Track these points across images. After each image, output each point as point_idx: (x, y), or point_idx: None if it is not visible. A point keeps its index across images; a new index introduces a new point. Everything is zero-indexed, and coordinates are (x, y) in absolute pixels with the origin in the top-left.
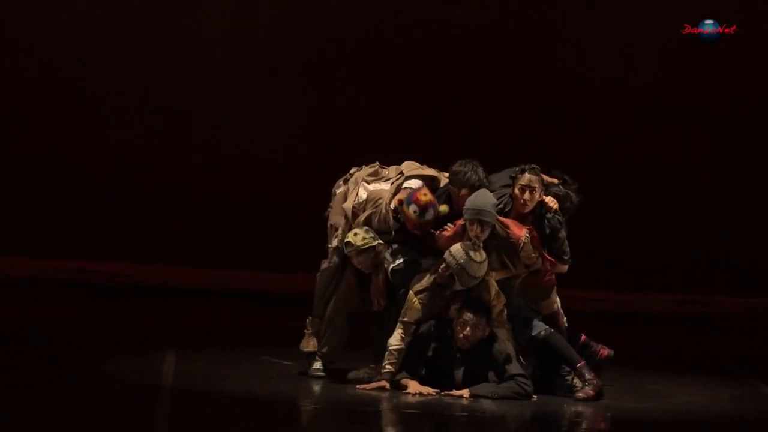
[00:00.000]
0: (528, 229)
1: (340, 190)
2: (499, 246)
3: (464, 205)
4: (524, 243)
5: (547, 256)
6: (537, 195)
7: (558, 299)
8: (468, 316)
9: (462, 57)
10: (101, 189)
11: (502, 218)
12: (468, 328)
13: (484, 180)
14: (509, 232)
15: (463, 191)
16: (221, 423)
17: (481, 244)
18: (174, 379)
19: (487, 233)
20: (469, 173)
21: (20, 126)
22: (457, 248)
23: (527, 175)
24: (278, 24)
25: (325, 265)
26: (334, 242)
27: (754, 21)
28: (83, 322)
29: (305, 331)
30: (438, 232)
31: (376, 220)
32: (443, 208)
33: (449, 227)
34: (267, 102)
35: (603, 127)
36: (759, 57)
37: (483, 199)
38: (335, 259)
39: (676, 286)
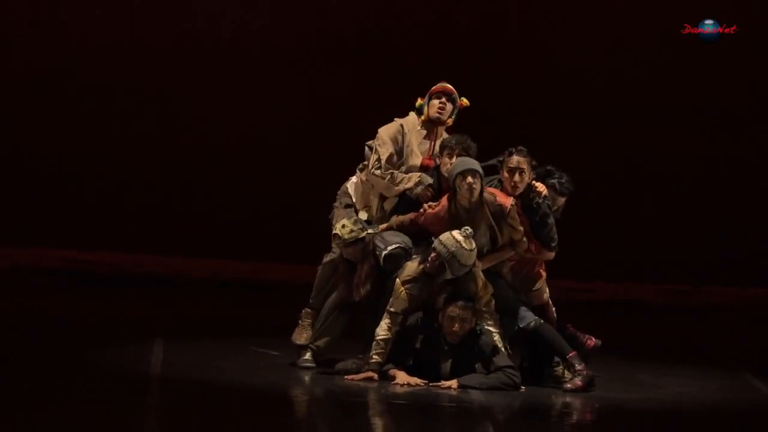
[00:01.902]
0: (515, 201)
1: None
2: (488, 211)
3: (449, 172)
4: (511, 207)
5: (533, 239)
6: (526, 177)
7: (547, 290)
8: (454, 311)
9: (462, 55)
10: (92, 180)
11: (488, 188)
12: (456, 325)
13: (468, 139)
14: (496, 197)
15: (446, 153)
16: (210, 413)
17: (472, 232)
18: (162, 369)
19: (479, 185)
20: (453, 139)
21: (16, 122)
22: (447, 236)
23: (515, 157)
24: (279, 23)
25: (327, 258)
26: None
27: (754, 21)
28: (72, 312)
29: (299, 322)
30: (423, 209)
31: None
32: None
33: (434, 204)
34: (266, 101)
35: (600, 126)
36: (759, 57)
37: (466, 159)
38: (338, 251)
39: (667, 276)
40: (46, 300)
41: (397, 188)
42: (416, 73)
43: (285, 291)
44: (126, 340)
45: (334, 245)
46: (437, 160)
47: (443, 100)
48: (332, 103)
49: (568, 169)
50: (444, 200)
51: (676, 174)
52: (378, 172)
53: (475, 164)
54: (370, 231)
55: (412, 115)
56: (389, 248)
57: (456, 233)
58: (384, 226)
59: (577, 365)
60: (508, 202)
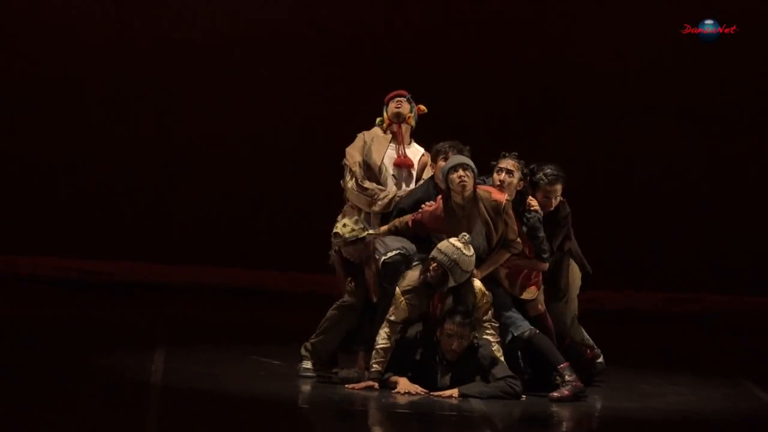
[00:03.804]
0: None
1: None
2: (483, 208)
3: (441, 171)
4: (506, 203)
5: (527, 242)
6: (515, 181)
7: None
8: (452, 329)
9: (462, 56)
10: (93, 187)
11: (481, 186)
12: (455, 343)
13: (460, 144)
14: (491, 194)
15: (440, 158)
16: (210, 421)
17: (470, 238)
18: (163, 377)
19: (470, 179)
20: (447, 143)
21: (10, 124)
22: (446, 245)
23: (506, 159)
24: (280, 23)
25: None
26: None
27: (754, 21)
28: (72, 320)
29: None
30: (420, 207)
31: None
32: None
33: (430, 203)
34: (264, 101)
35: (599, 126)
36: (759, 57)
37: (457, 155)
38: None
39: (667, 284)
40: (46, 308)
41: (378, 205)
42: (418, 75)
43: (286, 299)
44: (127, 348)
45: (333, 244)
46: (432, 168)
47: (398, 100)
48: (334, 106)
49: (567, 171)
50: (439, 199)
51: (675, 177)
52: (354, 185)
53: (466, 159)
54: (371, 231)
55: (375, 127)
56: (389, 254)
57: (454, 240)
58: (385, 228)
59: (567, 375)
60: (503, 197)
